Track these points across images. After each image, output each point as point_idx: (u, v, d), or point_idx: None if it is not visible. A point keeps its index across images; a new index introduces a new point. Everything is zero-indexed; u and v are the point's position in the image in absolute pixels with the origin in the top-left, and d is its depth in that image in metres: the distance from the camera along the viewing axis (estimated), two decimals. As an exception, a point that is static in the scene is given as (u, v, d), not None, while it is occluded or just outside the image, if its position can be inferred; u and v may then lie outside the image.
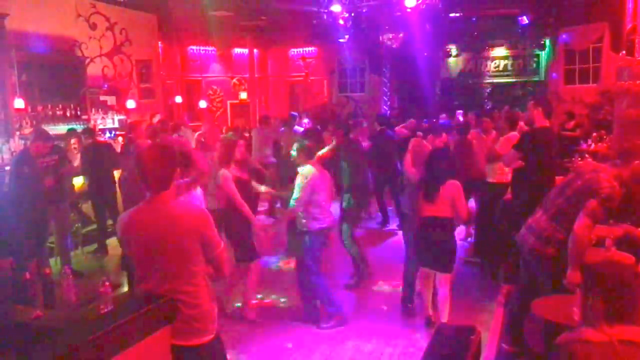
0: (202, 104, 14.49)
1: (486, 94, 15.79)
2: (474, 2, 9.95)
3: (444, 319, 4.37)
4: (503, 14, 10.73)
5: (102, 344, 2.08)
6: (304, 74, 17.06)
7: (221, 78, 16.36)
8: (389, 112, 15.42)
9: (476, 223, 6.49)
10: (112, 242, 7.54)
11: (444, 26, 11.45)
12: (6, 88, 8.35)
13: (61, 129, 9.24)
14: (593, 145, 8.75)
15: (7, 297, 3.13)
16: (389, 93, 15.49)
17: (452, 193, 4.34)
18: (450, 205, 4.36)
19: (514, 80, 15.20)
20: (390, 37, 9.73)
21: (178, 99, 13.26)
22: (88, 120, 9.79)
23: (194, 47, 15.53)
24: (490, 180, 6.16)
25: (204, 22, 12.84)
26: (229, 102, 16.58)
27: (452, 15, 10.74)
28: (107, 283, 2.98)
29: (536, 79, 14.79)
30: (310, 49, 16.87)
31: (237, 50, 16.43)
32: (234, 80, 16.63)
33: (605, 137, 8.72)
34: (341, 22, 10.28)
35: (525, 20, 10.08)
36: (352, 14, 9.51)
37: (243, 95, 16.65)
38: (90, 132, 7.36)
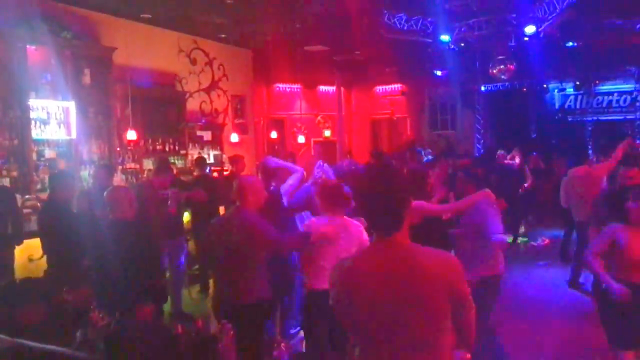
0: (301, 139, 14.33)
1: (588, 133, 14.69)
2: (597, 29, 9.11)
3: None
4: (628, 44, 9.81)
5: None
6: (389, 111, 16.61)
7: (305, 115, 16.14)
8: (482, 150, 14.64)
9: None
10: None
11: (552, 58, 10.64)
12: (112, 121, 8.30)
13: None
14: None
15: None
16: (482, 130, 14.70)
17: None
18: None
19: (620, 117, 14.07)
20: (502, 68, 9.05)
21: (273, 135, 13.14)
22: (186, 155, 9.64)
23: (280, 85, 15.45)
24: None
25: (294, 59, 12.68)
26: (312, 139, 16.30)
27: (568, 45, 9.92)
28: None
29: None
30: (396, 85, 16.44)
31: (322, 87, 16.26)
32: (319, 117, 16.38)
33: None
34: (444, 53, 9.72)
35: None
36: (462, 44, 8.94)
37: (327, 132, 16.35)
38: (202, 163, 7.04)
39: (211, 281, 7.07)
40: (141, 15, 8.69)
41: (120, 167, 8.33)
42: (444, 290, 1.77)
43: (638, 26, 8.95)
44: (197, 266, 7.04)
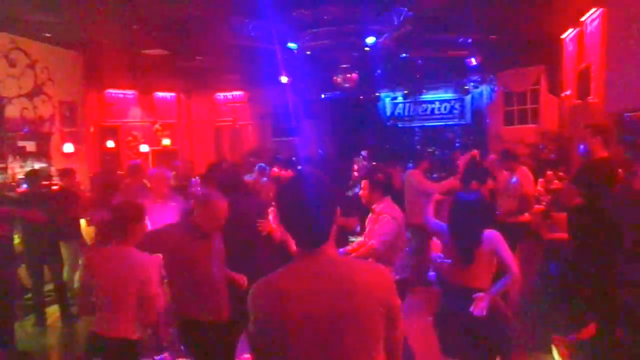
0: (144, 147, 13.38)
1: (416, 137, 16.08)
2: (424, 43, 9.95)
3: None
4: (450, 56, 10.86)
5: None
6: (231, 119, 16.39)
7: (142, 123, 15.15)
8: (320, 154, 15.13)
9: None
10: (53, 312, 6.31)
11: (387, 68, 11.40)
12: None
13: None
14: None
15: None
16: (322, 137, 15.22)
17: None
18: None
19: (442, 123, 15.61)
20: (346, 76, 9.40)
21: (110, 144, 12.10)
22: (5, 168, 8.41)
23: (113, 91, 14.29)
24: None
25: (130, 62, 11.85)
26: (150, 148, 15.37)
27: (401, 56, 10.69)
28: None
29: (462, 122, 15.37)
30: (238, 92, 16.28)
31: (159, 93, 15.45)
32: (157, 125, 15.50)
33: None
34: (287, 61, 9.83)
35: (473, 62, 10.25)
36: (308, 52, 9.10)
37: (166, 141, 15.55)
38: (34, 178, 6.13)
39: (47, 310, 6.23)
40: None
41: None
42: (379, 305, 1.66)
43: (460, 40, 9.92)
44: (29, 295, 6.13)
